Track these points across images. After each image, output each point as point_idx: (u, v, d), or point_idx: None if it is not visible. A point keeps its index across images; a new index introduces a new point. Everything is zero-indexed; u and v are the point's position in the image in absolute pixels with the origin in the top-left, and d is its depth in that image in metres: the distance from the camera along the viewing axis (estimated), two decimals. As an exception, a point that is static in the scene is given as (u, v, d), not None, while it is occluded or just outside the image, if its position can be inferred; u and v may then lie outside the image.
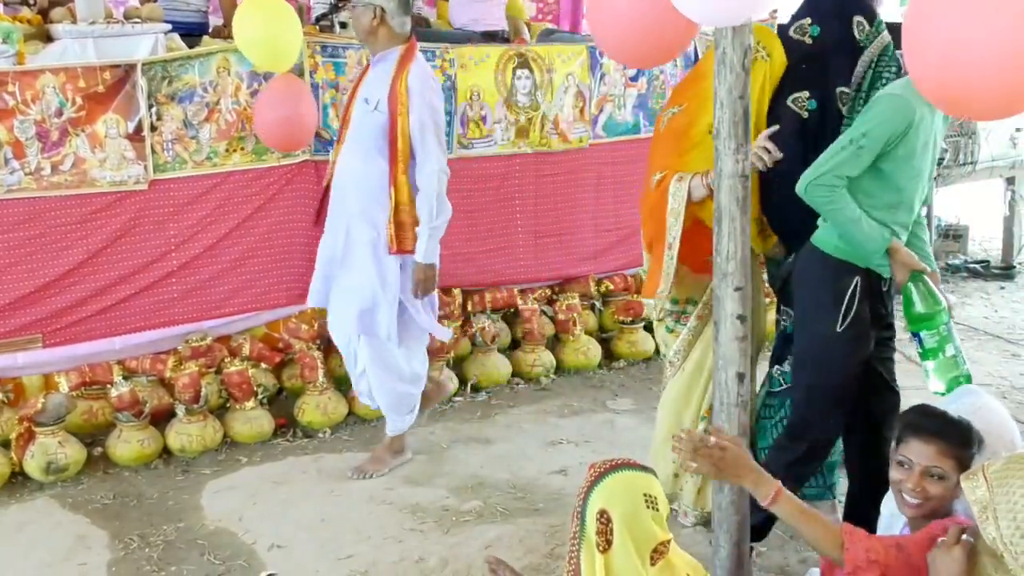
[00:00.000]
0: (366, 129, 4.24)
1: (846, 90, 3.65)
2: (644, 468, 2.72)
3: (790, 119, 3.64)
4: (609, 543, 2.58)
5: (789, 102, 3.67)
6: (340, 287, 4.39)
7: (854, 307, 3.39)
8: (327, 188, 4.46)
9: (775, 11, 6.40)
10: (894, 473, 2.70)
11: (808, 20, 3.69)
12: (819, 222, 3.49)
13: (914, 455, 2.65)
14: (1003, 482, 2.05)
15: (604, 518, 2.58)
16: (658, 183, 3.68)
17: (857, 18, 3.67)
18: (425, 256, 4.21)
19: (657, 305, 3.83)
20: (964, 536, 2.23)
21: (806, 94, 3.67)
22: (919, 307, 3.37)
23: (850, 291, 3.39)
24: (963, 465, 2.61)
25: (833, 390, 3.49)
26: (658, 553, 2.62)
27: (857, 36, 3.67)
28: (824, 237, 3.44)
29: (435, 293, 4.44)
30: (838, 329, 3.40)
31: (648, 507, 2.60)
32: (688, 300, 3.84)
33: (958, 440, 2.65)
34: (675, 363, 3.90)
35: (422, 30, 5.74)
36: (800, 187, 3.37)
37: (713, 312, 3.03)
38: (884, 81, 3.60)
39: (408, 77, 4.15)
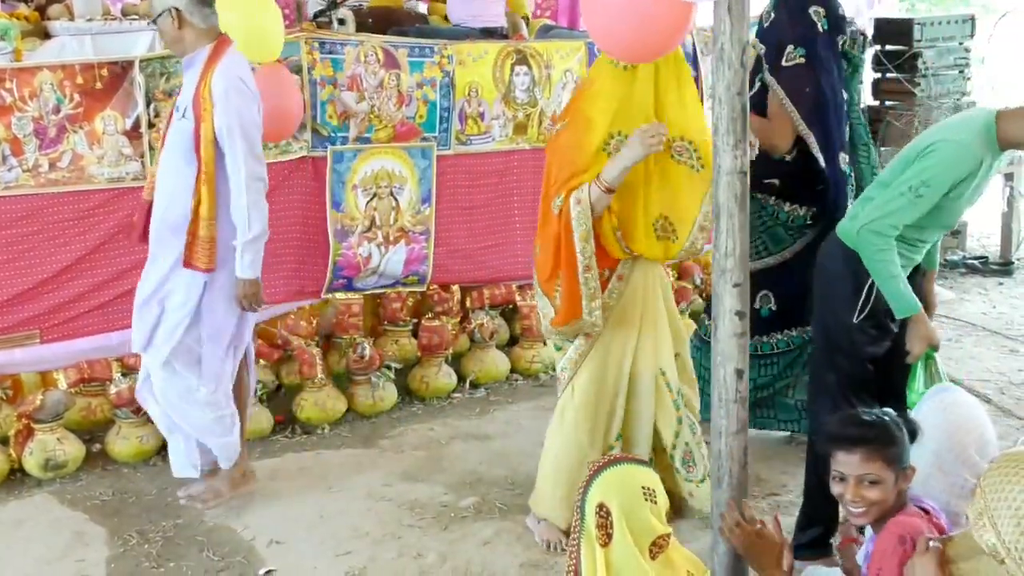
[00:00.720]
0: (176, 139, 3.91)
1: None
2: (641, 462, 2.73)
3: None
4: (609, 536, 2.59)
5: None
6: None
7: (871, 302, 3.42)
8: (150, 204, 4.06)
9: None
10: (834, 488, 2.73)
11: (792, 47, 4.13)
12: (849, 214, 3.53)
13: (844, 467, 2.67)
14: (998, 487, 2.03)
15: (603, 511, 2.59)
16: (560, 211, 3.57)
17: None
18: (242, 271, 3.91)
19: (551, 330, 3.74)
20: (931, 543, 2.22)
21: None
22: (921, 386, 3.38)
23: (867, 285, 3.41)
24: (894, 461, 2.65)
25: (846, 379, 3.50)
26: (657, 547, 2.63)
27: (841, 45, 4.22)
28: (847, 229, 3.44)
29: (250, 343, 4.26)
30: (855, 320, 3.42)
31: (647, 499, 2.62)
32: None
33: (880, 441, 2.66)
34: (562, 379, 3.80)
35: (421, 27, 5.74)
36: (852, 229, 3.35)
37: (712, 309, 3.03)
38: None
39: (212, 78, 3.80)
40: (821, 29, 4.23)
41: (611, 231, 3.60)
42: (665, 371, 3.84)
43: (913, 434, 2.75)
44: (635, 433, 3.87)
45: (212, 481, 4.24)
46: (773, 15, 4.33)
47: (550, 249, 3.64)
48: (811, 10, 4.22)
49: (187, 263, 3.89)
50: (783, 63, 4.21)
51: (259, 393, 4.88)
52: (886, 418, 2.71)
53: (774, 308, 4.46)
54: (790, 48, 4.21)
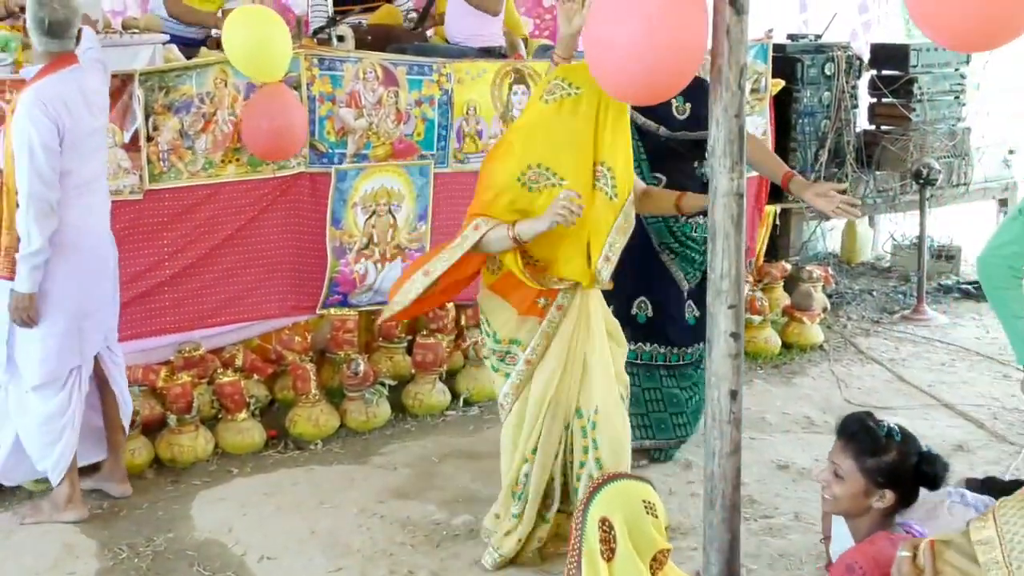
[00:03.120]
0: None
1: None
2: (640, 478, 2.75)
3: None
4: (613, 551, 2.61)
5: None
6: None
7: None
8: None
9: (770, 30, 6.49)
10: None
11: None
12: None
13: (831, 452, 2.82)
14: (1016, 517, 2.05)
15: (606, 525, 2.61)
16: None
17: None
18: (18, 284, 3.91)
19: (385, 314, 3.83)
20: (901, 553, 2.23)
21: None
22: None
23: None
24: (869, 471, 2.71)
25: None
26: (658, 562, 2.64)
27: None
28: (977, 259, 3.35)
29: (113, 362, 4.27)
30: None
31: (648, 513, 2.64)
32: (512, 340, 3.69)
33: (862, 445, 2.73)
34: (505, 406, 3.75)
35: (420, 44, 5.76)
36: (978, 259, 3.24)
37: (706, 330, 3.04)
38: None
39: (21, 96, 3.93)
40: None
41: (515, 264, 3.53)
42: (583, 413, 3.70)
43: (933, 478, 2.74)
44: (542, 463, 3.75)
45: (41, 499, 4.25)
46: None
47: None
48: None
49: (0, 273, 3.99)
50: None
51: (252, 408, 4.88)
52: (893, 435, 2.72)
53: (651, 315, 4.58)
54: None
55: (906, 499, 2.73)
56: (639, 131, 4.36)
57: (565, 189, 3.43)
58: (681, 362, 4.63)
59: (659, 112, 4.34)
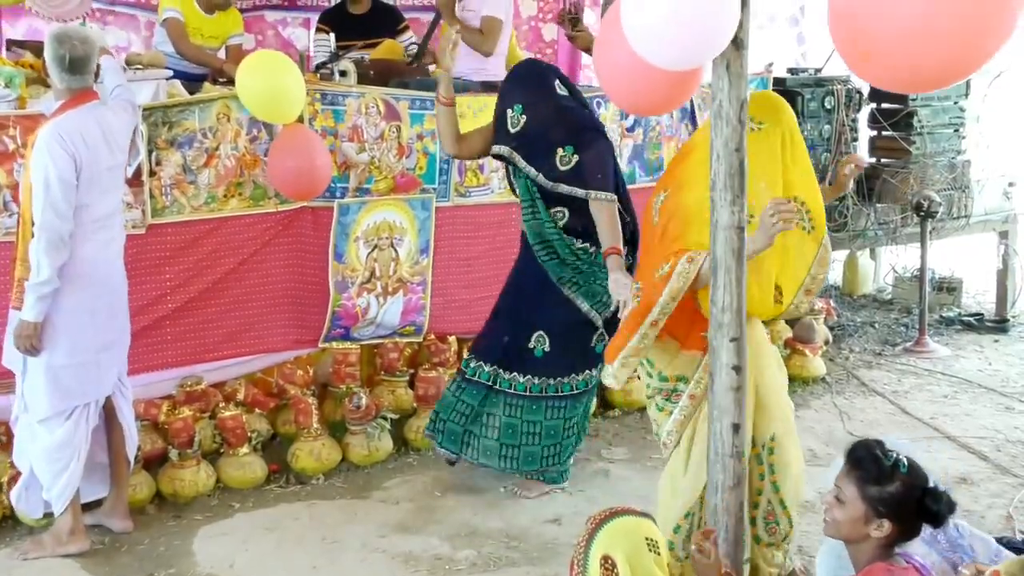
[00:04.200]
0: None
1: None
2: (644, 514, 2.74)
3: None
4: None
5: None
6: None
7: None
8: None
9: (771, 64, 6.53)
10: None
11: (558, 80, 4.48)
12: None
13: (837, 475, 2.78)
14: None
15: (609, 563, 2.59)
16: (665, 274, 3.35)
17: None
18: (24, 312, 3.97)
19: (619, 376, 3.52)
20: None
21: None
22: None
23: None
24: (870, 499, 2.69)
25: None
26: None
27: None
28: None
29: (122, 395, 4.30)
30: None
31: (650, 550, 2.63)
32: (679, 378, 3.59)
33: (866, 472, 2.71)
34: (668, 444, 3.66)
35: (422, 79, 5.79)
36: None
37: (709, 363, 3.04)
38: None
39: (39, 131, 4.01)
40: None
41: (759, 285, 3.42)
42: (758, 441, 3.60)
43: (935, 515, 2.70)
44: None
45: (43, 533, 4.24)
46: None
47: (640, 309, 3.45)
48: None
49: (13, 304, 4.06)
50: None
51: (254, 442, 4.87)
52: (899, 466, 2.69)
53: (548, 349, 4.62)
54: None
55: (907, 532, 2.71)
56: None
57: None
58: (574, 391, 4.65)
59: (540, 160, 4.37)
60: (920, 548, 2.98)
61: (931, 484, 2.71)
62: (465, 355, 4.92)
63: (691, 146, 3.58)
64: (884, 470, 2.69)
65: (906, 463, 2.70)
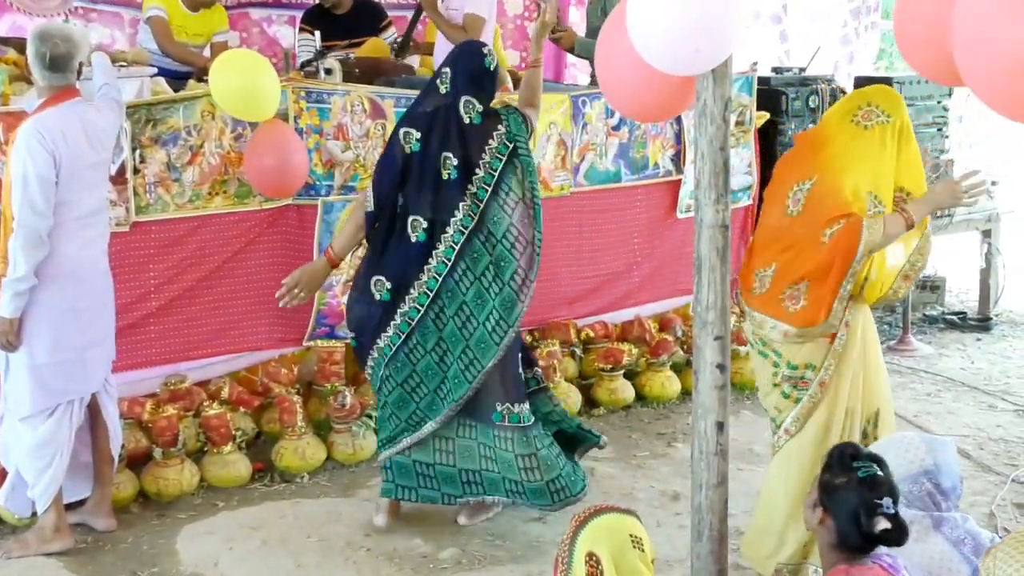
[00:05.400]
0: None
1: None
2: (627, 511, 2.74)
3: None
4: None
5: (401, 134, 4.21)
6: None
7: None
8: None
9: (755, 63, 6.55)
10: None
11: (449, 73, 4.23)
12: None
13: None
14: (1006, 556, 2.12)
15: (593, 560, 2.59)
16: (837, 235, 3.55)
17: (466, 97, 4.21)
18: (1, 308, 3.96)
19: (777, 373, 3.72)
20: None
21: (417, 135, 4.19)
22: None
23: None
24: (818, 482, 2.71)
25: None
26: None
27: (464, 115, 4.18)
28: None
29: (106, 393, 4.27)
30: None
31: (634, 547, 2.64)
32: (807, 365, 3.70)
33: (830, 459, 2.73)
34: (791, 430, 3.73)
35: (408, 77, 5.79)
36: None
37: (693, 362, 3.05)
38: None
39: (19, 128, 4.00)
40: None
41: (863, 277, 3.66)
42: (869, 418, 3.83)
43: (867, 535, 2.63)
44: None
45: (26, 532, 4.22)
46: None
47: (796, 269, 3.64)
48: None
49: None
50: None
51: (239, 440, 4.86)
52: (857, 468, 2.67)
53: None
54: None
55: (844, 534, 2.66)
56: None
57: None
58: (521, 423, 4.25)
59: (428, 166, 4.19)
60: (943, 547, 2.97)
61: (885, 507, 2.62)
62: None
63: (824, 138, 3.71)
64: (843, 464, 2.70)
65: (870, 472, 2.67)
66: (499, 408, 4.22)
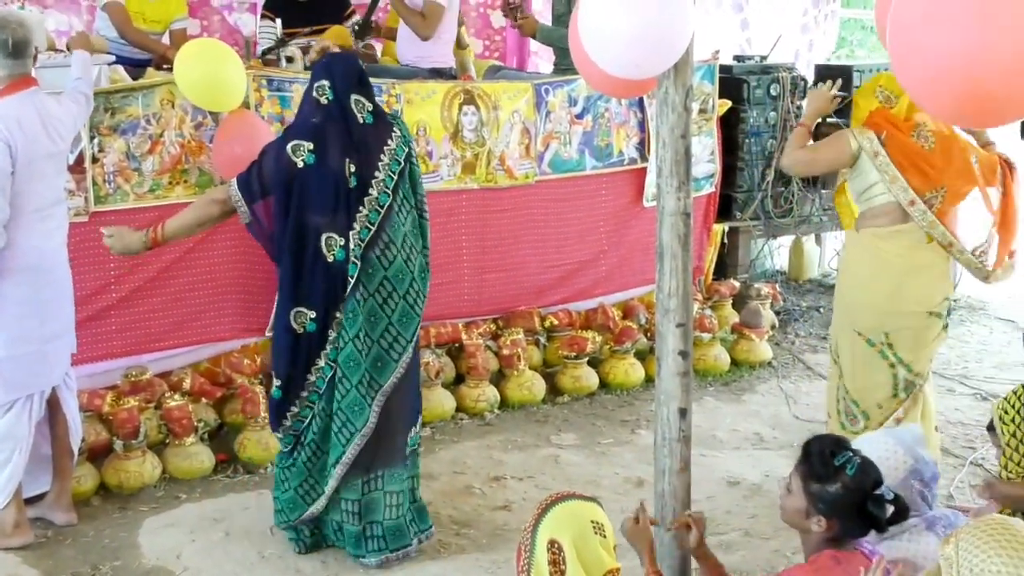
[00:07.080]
0: None
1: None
2: (589, 498, 2.76)
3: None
4: (562, 573, 2.62)
5: (289, 148, 3.84)
6: None
7: None
8: None
9: (717, 51, 6.58)
10: None
11: (327, 83, 3.89)
12: None
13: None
14: (969, 545, 2.12)
15: (555, 547, 2.61)
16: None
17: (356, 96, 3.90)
18: None
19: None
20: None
21: (309, 146, 3.83)
22: None
23: None
24: (812, 495, 2.71)
25: None
26: None
27: (357, 113, 3.89)
28: None
29: (65, 386, 4.20)
30: None
31: (596, 533, 2.66)
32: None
33: (811, 469, 2.73)
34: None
35: (370, 66, 5.76)
36: None
37: (656, 349, 3.07)
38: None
39: None
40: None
41: None
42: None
43: (877, 520, 2.70)
44: None
45: None
46: None
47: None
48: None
49: None
50: None
51: (201, 432, 4.82)
52: (846, 468, 2.68)
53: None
54: None
55: (851, 530, 2.70)
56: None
57: None
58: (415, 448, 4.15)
59: (329, 179, 3.86)
60: (937, 545, 2.99)
61: (880, 490, 2.69)
62: None
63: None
64: (828, 470, 2.68)
65: (855, 465, 2.69)
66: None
